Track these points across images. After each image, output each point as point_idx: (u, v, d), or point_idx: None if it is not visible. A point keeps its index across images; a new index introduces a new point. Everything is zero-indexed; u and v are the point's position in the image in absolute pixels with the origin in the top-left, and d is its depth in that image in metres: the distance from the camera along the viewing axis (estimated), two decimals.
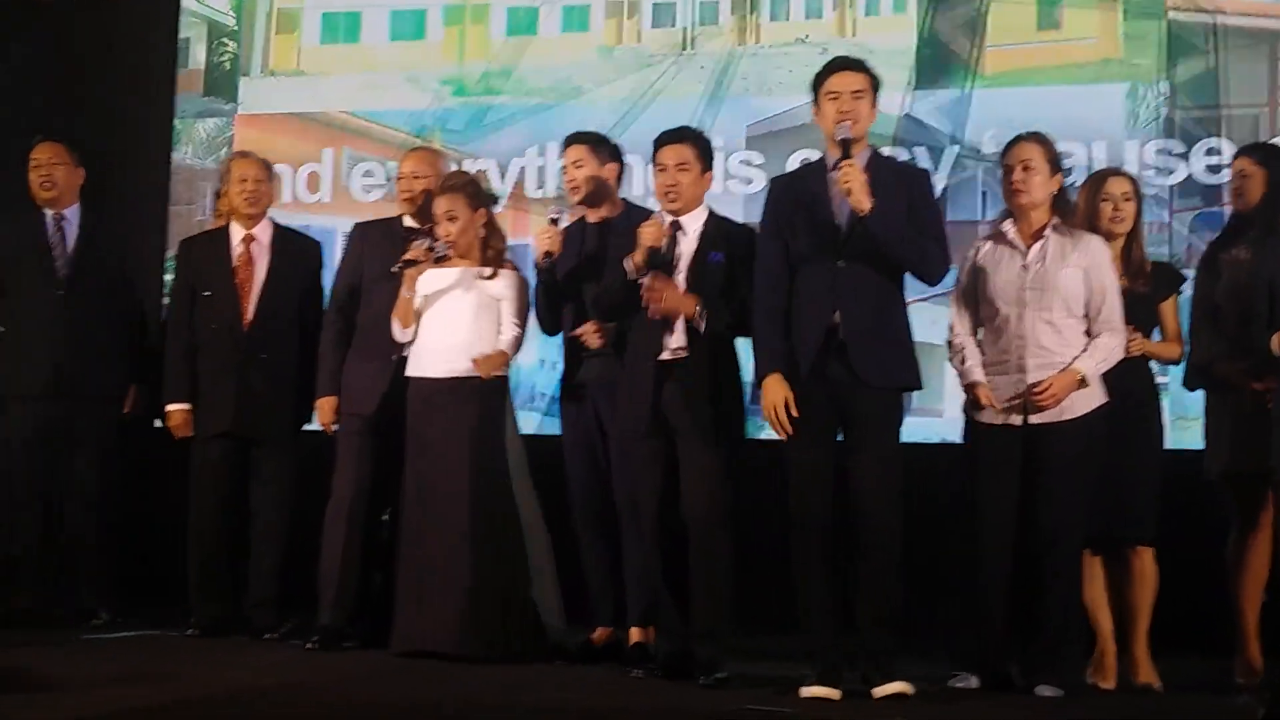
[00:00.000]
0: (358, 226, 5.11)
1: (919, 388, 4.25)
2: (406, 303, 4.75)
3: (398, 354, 4.86)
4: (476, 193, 4.80)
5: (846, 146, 4.08)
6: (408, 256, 4.71)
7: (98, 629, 5.23)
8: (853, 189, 4.03)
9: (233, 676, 4.26)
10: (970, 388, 4.28)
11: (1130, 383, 4.40)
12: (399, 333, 4.79)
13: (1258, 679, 4.37)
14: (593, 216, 4.88)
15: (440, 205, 4.76)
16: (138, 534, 5.73)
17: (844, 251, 4.10)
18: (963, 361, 4.31)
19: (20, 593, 5.30)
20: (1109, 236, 4.46)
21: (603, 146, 4.89)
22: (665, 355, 4.35)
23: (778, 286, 4.17)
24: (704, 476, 4.28)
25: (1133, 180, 4.57)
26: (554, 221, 4.78)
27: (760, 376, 4.15)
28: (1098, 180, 4.56)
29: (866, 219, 4.05)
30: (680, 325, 4.33)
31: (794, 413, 4.05)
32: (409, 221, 5.03)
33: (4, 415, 5.32)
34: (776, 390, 4.08)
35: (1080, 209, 4.49)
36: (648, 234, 4.35)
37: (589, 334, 4.69)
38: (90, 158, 5.61)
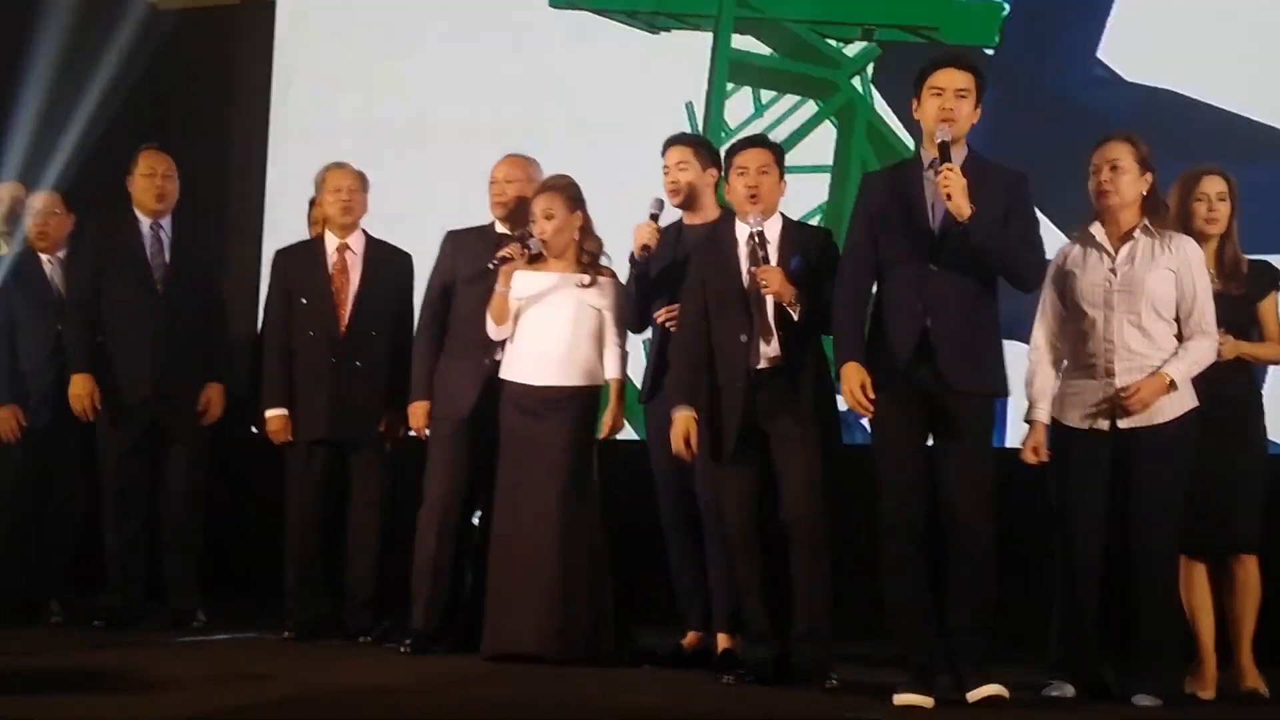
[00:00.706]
0: (450, 233, 5.15)
1: (1005, 394, 4.21)
2: (501, 299, 4.78)
3: (490, 358, 4.90)
4: (575, 195, 4.83)
5: (946, 150, 4.04)
6: (501, 254, 4.76)
7: (195, 631, 5.33)
8: (953, 194, 3.99)
9: (328, 678, 4.33)
10: (1029, 424, 4.24)
11: (1231, 387, 4.34)
12: (493, 330, 4.83)
13: None
14: (689, 220, 4.88)
15: (539, 204, 4.80)
16: (233, 537, 5.83)
17: (936, 255, 4.08)
18: (1029, 388, 4.27)
19: (118, 593, 5.41)
20: (1202, 237, 4.37)
21: (704, 150, 4.88)
22: (762, 364, 4.35)
23: (861, 279, 4.16)
24: (804, 480, 4.27)
25: (1227, 178, 4.43)
26: (654, 217, 4.78)
27: (839, 364, 4.14)
28: (1191, 179, 4.44)
29: (966, 227, 4.00)
30: (774, 337, 4.33)
31: (870, 394, 4.03)
32: (501, 227, 5.07)
33: (109, 422, 5.42)
34: (854, 375, 4.06)
35: (1172, 208, 4.41)
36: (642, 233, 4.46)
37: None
38: (188, 167, 5.71)
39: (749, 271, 4.36)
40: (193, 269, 5.52)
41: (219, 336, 5.55)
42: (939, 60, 4.20)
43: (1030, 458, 4.23)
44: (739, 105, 6.18)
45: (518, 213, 4.98)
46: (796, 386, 4.31)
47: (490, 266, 4.76)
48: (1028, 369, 4.30)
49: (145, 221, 5.50)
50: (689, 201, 4.85)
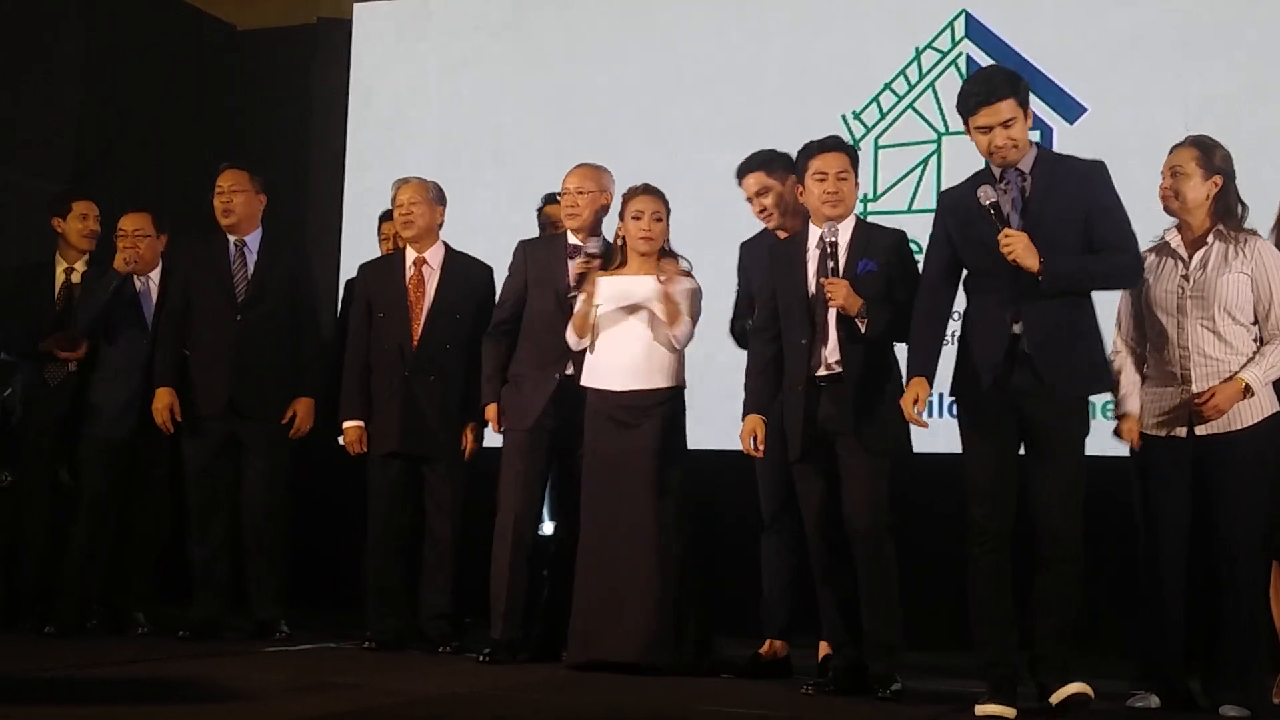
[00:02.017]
0: (522, 242, 5.18)
1: (1108, 389, 4.17)
2: (584, 316, 4.81)
3: (561, 370, 4.92)
4: (667, 206, 4.86)
5: (999, 211, 3.98)
6: (576, 273, 4.80)
7: (279, 641, 5.39)
8: (1017, 256, 3.93)
9: (409, 687, 4.34)
10: (1120, 418, 4.20)
11: None
12: (573, 341, 4.86)
13: None
14: (783, 233, 4.85)
15: (646, 204, 4.81)
16: (316, 547, 5.89)
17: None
18: (1117, 387, 4.23)
19: (203, 604, 5.48)
20: None
21: (776, 164, 4.85)
22: (821, 371, 4.34)
23: (940, 294, 4.14)
24: (864, 489, 4.26)
25: None
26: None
27: (908, 377, 4.13)
28: None
29: (1041, 280, 3.93)
30: (834, 341, 4.31)
31: (922, 407, 4.03)
32: (573, 238, 5.08)
33: (188, 435, 5.51)
34: (914, 388, 4.06)
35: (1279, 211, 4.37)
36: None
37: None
38: (272, 185, 5.78)
39: (817, 279, 4.35)
40: (276, 285, 5.56)
41: (307, 351, 5.59)
42: (976, 100, 4.03)
43: (1130, 438, 4.16)
44: None
45: (592, 222, 5.01)
46: (860, 394, 4.29)
47: (571, 297, 4.82)
48: (1113, 369, 4.25)
49: (230, 238, 5.57)
50: (785, 221, 4.82)
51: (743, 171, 4.89)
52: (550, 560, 5.06)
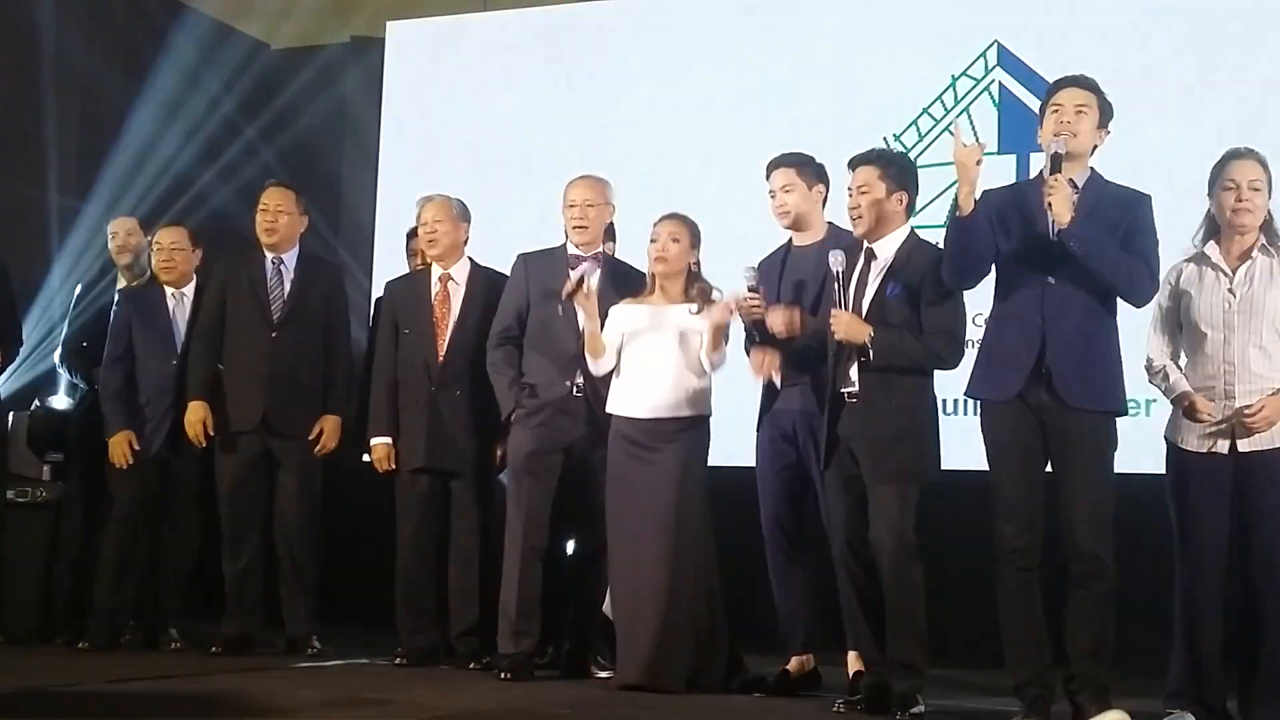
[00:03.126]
0: (521, 256, 5.16)
1: (1124, 413, 4.14)
2: (592, 336, 4.81)
3: (568, 379, 4.91)
4: (697, 233, 4.85)
5: (1057, 160, 4.02)
6: (567, 290, 4.79)
7: (310, 657, 5.39)
8: (1054, 202, 3.97)
9: (441, 703, 4.34)
10: (1181, 399, 4.12)
11: None
12: (593, 366, 4.86)
13: None
14: (799, 241, 4.86)
15: (666, 227, 4.81)
16: (348, 564, 5.91)
17: (1054, 268, 4.04)
18: (1166, 378, 4.18)
19: (235, 620, 5.50)
20: None
21: (808, 168, 4.84)
22: (845, 388, 4.33)
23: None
24: (885, 510, 4.22)
25: None
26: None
27: None
28: None
29: (1064, 232, 3.97)
30: (856, 362, 4.29)
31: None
32: (574, 249, 5.06)
33: (221, 450, 5.54)
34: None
35: None
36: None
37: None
38: (306, 202, 5.82)
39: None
40: (312, 303, 5.59)
41: (337, 369, 5.61)
42: (1060, 82, 4.20)
43: (1204, 415, 4.07)
44: None
45: (600, 235, 5.03)
46: (881, 418, 4.26)
47: (564, 300, 4.81)
48: (1153, 372, 4.22)
49: (268, 256, 5.61)
50: (797, 222, 4.83)
51: (773, 166, 4.87)
52: (574, 578, 5.05)
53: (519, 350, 5.05)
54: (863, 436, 4.27)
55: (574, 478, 4.98)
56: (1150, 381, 4.26)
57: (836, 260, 4.37)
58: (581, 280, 4.80)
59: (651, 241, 4.82)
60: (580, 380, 4.93)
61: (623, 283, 5.00)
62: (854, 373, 4.30)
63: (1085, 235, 3.98)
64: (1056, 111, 4.11)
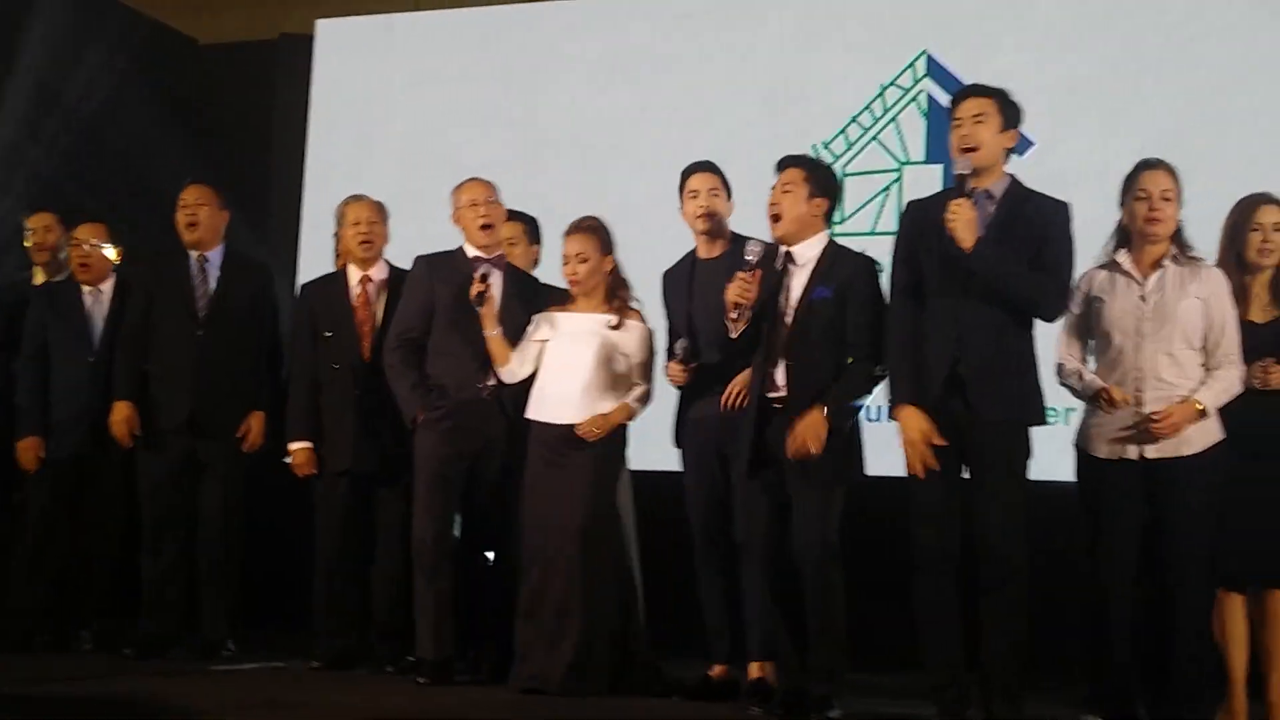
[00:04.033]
0: (423, 259, 5.11)
1: (1041, 422, 4.17)
2: (494, 342, 4.81)
3: (478, 382, 4.88)
4: (608, 237, 4.83)
5: (960, 183, 4.06)
6: (473, 295, 4.78)
7: (225, 660, 5.34)
8: (956, 228, 4.00)
9: (355, 708, 4.32)
10: (1098, 394, 4.14)
11: (1275, 416, 4.29)
12: (503, 373, 4.84)
13: None
14: (705, 251, 4.87)
15: (572, 245, 4.79)
16: (265, 567, 5.85)
17: (968, 285, 4.07)
18: (1080, 378, 4.22)
19: (153, 621, 5.41)
20: (1255, 268, 4.35)
21: (725, 179, 4.86)
22: (773, 393, 4.34)
23: (909, 315, 4.14)
24: (810, 515, 4.24)
25: None
26: (751, 265, 4.46)
27: (894, 406, 4.13)
28: (1247, 208, 4.39)
29: (969, 258, 4.01)
30: (781, 366, 4.30)
31: (938, 441, 4.01)
32: (472, 251, 5.03)
33: (146, 450, 5.47)
34: (913, 422, 4.05)
35: (1224, 236, 4.39)
36: (734, 292, 4.36)
37: (734, 393, 4.63)
38: (231, 201, 5.77)
39: (774, 299, 4.36)
40: (238, 301, 5.54)
41: (264, 368, 5.56)
42: (957, 95, 4.25)
43: (1120, 396, 4.09)
44: None
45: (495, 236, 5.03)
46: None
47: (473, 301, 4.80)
48: (1065, 371, 4.26)
49: (193, 255, 5.55)
50: (716, 231, 4.84)
51: (700, 169, 4.87)
52: (495, 585, 5.02)
53: (418, 353, 5.00)
54: (784, 440, 4.28)
55: (490, 481, 4.96)
56: (1061, 383, 4.29)
57: (753, 250, 4.39)
58: (486, 281, 4.79)
59: (564, 263, 4.81)
60: (492, 383, 4.90)
61: (523, 288, 5.02)
62: (780, 378, 4.31)
63: (987, 257, 4.02)
64: (957, 125, 4.14)
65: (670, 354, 4.81)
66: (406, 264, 5.38)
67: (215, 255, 5.60)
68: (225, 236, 5.67)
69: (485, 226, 5.00)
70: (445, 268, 5.01)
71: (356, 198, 5.46)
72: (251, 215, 6.75)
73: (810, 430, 4.17)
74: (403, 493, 5.19)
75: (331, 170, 6.92)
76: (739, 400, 4.58)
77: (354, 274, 5.39)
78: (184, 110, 7.21)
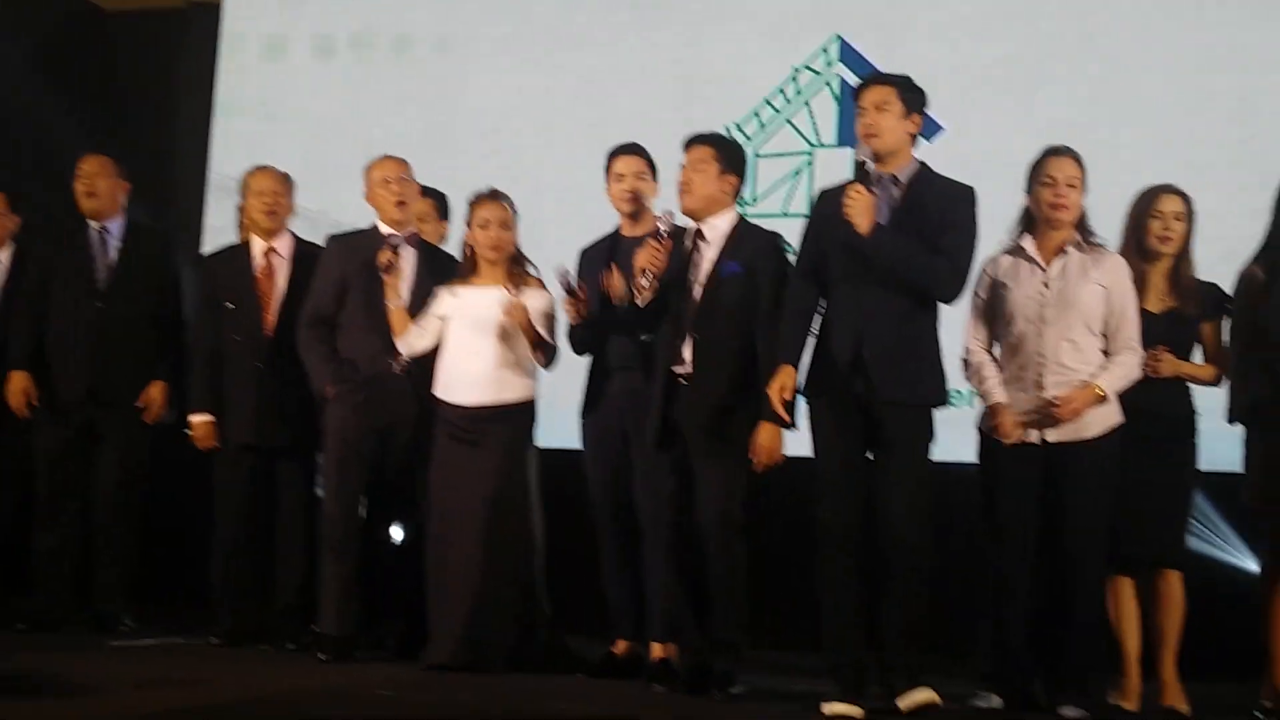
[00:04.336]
0: (334, 238, 5.10)
1: (944, 404, 4.22)
2: (396, 313, 4.78)
3: (387, 361, 4.85)
4: (514, 209, 4.82)
5: (859, 169, 4.10)
6: (383, 262, 4.75)
7: (122, 636, 5.26)
8: (852, 214, 4.04)
9: (254, 685, 4.27)
10: (993, 410, 4.24)
11: (1169, 405, 4.38)
12: (401, 345, 4.81)
13: None
14: (628, 230, 4.86)
15: (491, 210, 4.76)
16: (164, 542, 5.77)
17: (872, 269, 4.10)
18: (981, 381, 4.28)
19: (45, 596, 5.34)
20: (1154, 255, 4.41)
21: (651, 162, 4.87)
22: (676, 369, 4.34)
23: (808, 295, 4.18)
24: (715, 489, 4.27)
25: (1185, 199, 4.44)
26: (664, 235, 4.44)
27: (774, 366, 4.18)
28: (1149, 196, 4.45)
29: (864, 243, 4.04)
30: (689, 340, 4.32)
31: (787, 397, 4.09)
32: (385, 228, 5.01)
33: (42, 422, 5.38)
34: (781, 375, 4.11)
35: (1127, 224, 4.46)
36: (644, 258, 4.34)
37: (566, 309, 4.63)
38: (135, 172, 5.68)
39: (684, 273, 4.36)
40: (139, 272, 5.46)
41: (167, 339, 5.48)
42: (861, 83, 4.28)
43: (1014, 434, 4.18)
44: None
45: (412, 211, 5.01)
46: (711, 391, 4.29)
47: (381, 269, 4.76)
48: (970, 369, 4.31)
49: (92, 225, 5.47)
50: (640, 213, 4.84)
51: (628, 151, 4.86)
52: (405, 562, 4.98)
53: (330, 330, 4.97)
54: (691, 414, 4.30)
55: (399, 457, 4.93)
56: (965, 377, 4.34)
57: (665, 220, 4.40)
58: (396, 253, 4.75)
59: (480, 228, 4.77)
60: (406, 359, 4.87)
61: (436, 265, 4.99)
62: (687, 352, 4.32)
63: (883, 242, 4.06)
64: (861, 114, 4.18)
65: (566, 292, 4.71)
66: (313, 237, 5.34)
67: (115, 226, 5.52)
68: (126, 207, 5.59)
69: (399, 204, 4.99)
70: (358, 245, 4.97)
71: (261, 168, 5.39)
72: (156, 186, 6.63)
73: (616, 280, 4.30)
74: (306, 468, 5.18)
75: (238, 141, 6.81)
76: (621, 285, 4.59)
77: (258, 245, 5.32)
78: (89, 79, 7.05)
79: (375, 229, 5.03)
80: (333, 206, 5.79)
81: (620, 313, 4.57)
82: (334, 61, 6.90)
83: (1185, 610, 4.40)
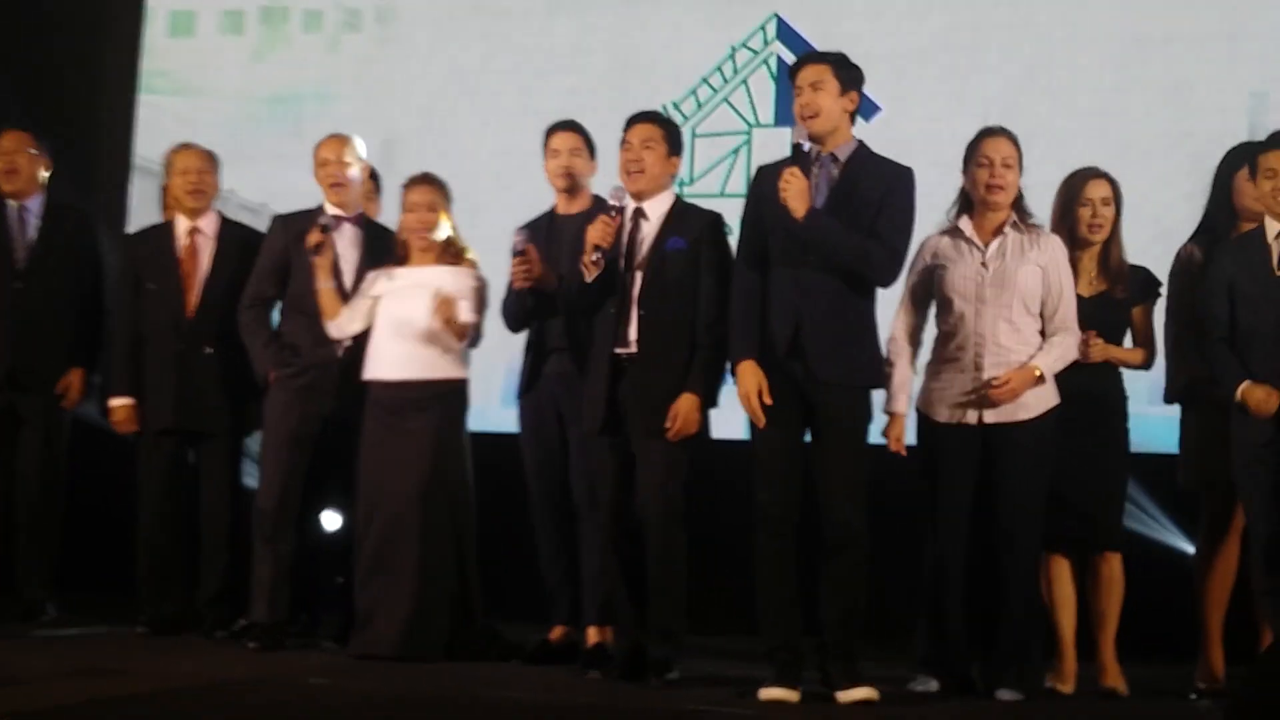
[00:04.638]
0: (278, 218, 5.04)
1: (880, 385, 4.21)
2: (326, 294, 4.73)
3: (331, 345, 4.80)
4: (448, 192, 4.78)
5: (796, 151, 4.07)
6: (310, 243, 4.70)
7: (47, 624, 5.16)
8: (786, 197, 4.01)
9: (180, 674, 4.20)
10: (890, 418, 4.24)
11: (1100, 388, 4.38)
12: (331, 328, 4.75)
13: (1219, 685, 4.36)
14: (564, 208, 4.81)
15: (421, 194, 4.73)
16: (89, 528, 5.66)
17: (809, 251, 4.06)
18: (890, 378, 4.25)
19: None
20: (1085, 242, 4.42)
21: (590, 139, 4.82)
22: (620, 350, 4.30)
23: (752, 277, 4.13)
24: (657, 474, 4.23)
25: (1113, 183, 4.45)
26: (614, 210, 4.34)
27: (733, 362, 4.13)
28: (1076, 182, 4.45)
29: (798, 226, 4.01)
30: (634, 319, 4.28)
31: (768, 400, 4.02)
32: (332, 209, 4.95)
33: None
34: (749, 378, 4.04)
35: (1055, 211, 4.45)
36: (594, 233, 4.28)
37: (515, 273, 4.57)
38: (57, 149, 5.57)
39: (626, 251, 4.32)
40: (59, 252, 5.35)
41: (88, 322, 5.37)
42: (795, 62, 4.25)
43: (896, 447, 4.22)
44: None
45: (358, 193, 4.95)
46: (655, 372, 4.26)
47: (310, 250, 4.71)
48: (889, 358, 4.28)
49: (10, 204, 5.35)
50: (575, 189, 4.78)
51: (565, 128, 4.81)
52: (338, 549, 4.94)
53: (270, 313, 4.92)
54: (636, 394, 4.26)
55: (339, 444, 4.85)
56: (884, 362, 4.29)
57: (616, 195, 4.35)
58: (326, 233, 4.68)
59: (408, 211, 4.72)
60: (350, 344, 4.80)
61: (379, 245, 4.92)
62: (632, 334, 4.28)
63: (817, 226, 4.03)
64: (798, 93, 4.15)
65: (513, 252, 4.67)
66: (239, 216, 5.26)
67: (35, 204, 5.42)
68: (47, 185, 5.47)
69: (333, 185, 4.93)
70: (302, 226, 4.89)
71: (186, 146, 5.29)
72: (79, 163, 6.48)
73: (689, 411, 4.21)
74: (232, 453, 5.11)
75: (163, 118, 6.67)
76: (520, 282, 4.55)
77: (182, 225, 5.22)
78: (9, 52, 6.87)
79: (322, 209, 4.97)
80: (240, 187, 5.69)
81: (567, 290, 4.50)
82: (260, 33, 6.76)
83: (1124, 592, 4.41)
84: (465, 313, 4.64)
